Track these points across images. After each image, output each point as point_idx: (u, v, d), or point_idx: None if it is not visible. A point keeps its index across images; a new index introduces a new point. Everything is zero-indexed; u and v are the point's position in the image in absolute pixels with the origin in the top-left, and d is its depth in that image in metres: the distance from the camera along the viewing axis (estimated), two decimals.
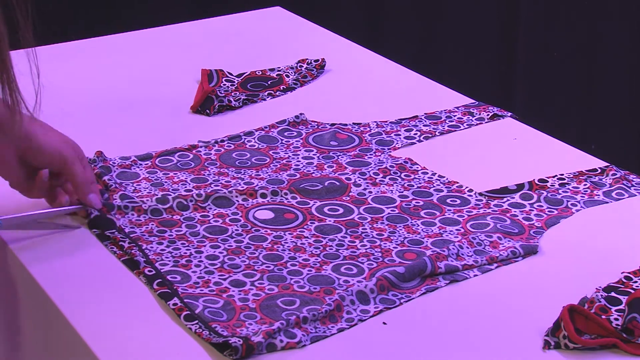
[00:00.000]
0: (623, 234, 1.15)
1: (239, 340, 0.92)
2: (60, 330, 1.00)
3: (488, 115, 1.41)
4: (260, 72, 1.58)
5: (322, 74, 1.59)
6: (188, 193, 1.19)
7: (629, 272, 1.06)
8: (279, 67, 1.59)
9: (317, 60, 1.59)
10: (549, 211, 1.18)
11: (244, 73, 1.57)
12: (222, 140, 1.34)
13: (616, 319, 0.98)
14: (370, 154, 1.30)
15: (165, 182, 1.24)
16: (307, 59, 1.59)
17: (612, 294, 1.02)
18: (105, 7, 2.56)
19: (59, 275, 1.05)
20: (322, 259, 1.08)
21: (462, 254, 1.08)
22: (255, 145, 1.34)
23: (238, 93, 1.51)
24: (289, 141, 1.35)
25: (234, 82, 1.54)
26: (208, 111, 1.45)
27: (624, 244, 1.12)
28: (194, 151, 1.31)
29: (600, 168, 1.26)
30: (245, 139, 1.35)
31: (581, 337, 0.94)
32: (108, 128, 1.39)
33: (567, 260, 1.10)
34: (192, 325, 0.96)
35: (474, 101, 1.47)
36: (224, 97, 1.48)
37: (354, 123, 1.40)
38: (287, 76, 1.57)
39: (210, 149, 1.32)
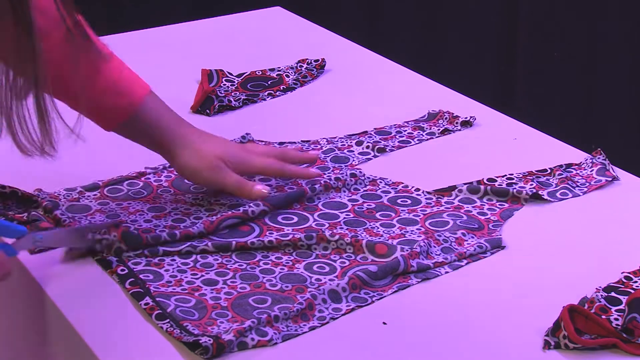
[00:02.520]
0: (616, 231, 1.15)
1: (209, 340, 0.92)
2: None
3: (439, 129, 1.38)
4: (260, 72, 1.58)
5: (322, 74, 1.59)
6: (148, 225, 1.14)
7: (629, 272, 1.06)
8: (279, 67, 1.59)
9: (317, 60, 1.59)
10: (499, 204, 1.18)
11: (244, 73, 1.57)
12: (170, 166, 1.23)
13: (616, 319, 0.98)
14: (328, 172, 1.26)
15: (121, 212, 1.17)
16: (307, 59, 1.60)
17: (612, 294, 1.02)
18: (106, 7, 2.57)
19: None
20: (294, 258, 1.08)
21: (431, 252, 1.08)
22: None
23: (238, 93, 1.51)
24: None
25: (234, 82, 1.54)
26: (208, 111, 1.45)
27: (623, 242, 1.13)
28: (142, 178, 1.25)
29: (549, 168, 1.27)
30: None
31: (581, 337, 0.94)
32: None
33: (567, 260, 1.10)
34: (164, 324, 0.96)
35: (424, 114, 1.43)
36: (224, 97, 1.48)
37: (302, 141, 1.36)
38: (287, 76, 1.57)
39: (159, 175, 1.26)
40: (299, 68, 1.58)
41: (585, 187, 1.23)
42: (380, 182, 1.24)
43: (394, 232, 1.13)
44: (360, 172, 1.25)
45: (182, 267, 1.06)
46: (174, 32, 1.78)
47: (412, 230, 1.13)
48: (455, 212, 1.17)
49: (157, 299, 1.00)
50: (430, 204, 1.20)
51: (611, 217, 1.18)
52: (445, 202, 1.20)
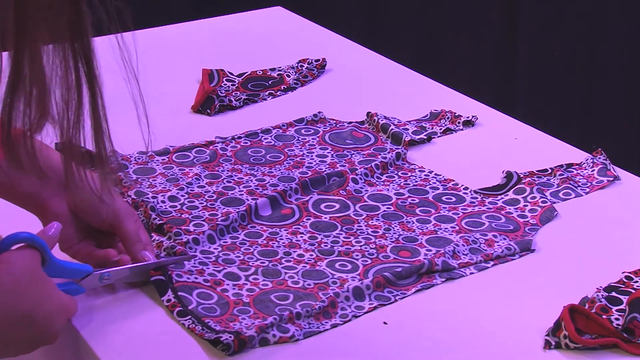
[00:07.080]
0: (614, 231, 1.15)
1: (230, 336, 0.92)
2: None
3: (441, 129, 1.38)
4: (261, 72, 1.58)
5: (323, 74, 1.59)
6: (200, 190, 1.20)
7: (629, 272, 1.06)
8: (280, 67, 1.59)
9: (318, 60, 1.59)
10: (542, 202, 1.18)
11: (245, 73, 1.57)
12: (239, 137, 1.35)
13: (617, 319, 0.98)
14: (384, 153, 1.30)
15: (180, 177, 1.24)
16: (307, 58, 1.60)
17: (613, 293, 1.02)
18: None
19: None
20: (317, 255, 1.09)
21: (458, 252, 1.08)
22: (271, 142, 1.34)
23: (239, 93, 1.51)
24: (305, 139, 1.35)
25: (235, 81, 1.54)
26: (209, 111, 1.45)
27: (623, 242, 1.13)
28: (211, 147, 1.32)
29: (550, 168, 1.27)
30: (262, 136, 1.36)
31: (582, 337, 0.94)
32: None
33: (568, 260, 1.10)
34: (185, 320, 0.97)
35: (426, 114, 1.43)
36: (225, 96, 1.48)
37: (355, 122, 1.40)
38: (288, 76, 1.57)
39: (227, 144, 1.33)
40: (299, 68, 1.58)
41: (587, 187, 1.23)
42: (433, 178, 1.25)
43: (427, 228, 1.14)
44: (409, 164, 1.28)
45: (204, 260, 1.07)
46: (174, 32, 1.78)
47: (446, 228, 1.14)
48: (494, 214, 1.17)
49: (179, 293, 1.00)
50: (474, 203, 1.20)
51: (612, 217, 1.18)
52: (488, 203, 1.20)
